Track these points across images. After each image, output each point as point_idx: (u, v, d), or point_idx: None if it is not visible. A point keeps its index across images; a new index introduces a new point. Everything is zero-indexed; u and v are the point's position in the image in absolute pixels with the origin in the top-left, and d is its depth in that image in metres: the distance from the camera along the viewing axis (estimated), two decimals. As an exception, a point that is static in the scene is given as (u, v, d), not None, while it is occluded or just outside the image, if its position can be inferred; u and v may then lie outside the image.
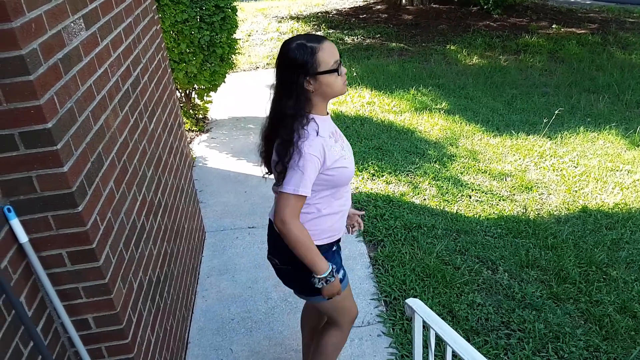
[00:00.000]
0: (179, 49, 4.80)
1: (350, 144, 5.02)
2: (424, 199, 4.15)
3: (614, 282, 3.18)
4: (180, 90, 5.39)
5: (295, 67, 1.70)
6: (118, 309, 1.78)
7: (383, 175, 4.48)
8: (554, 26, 8.65)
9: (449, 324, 2.87)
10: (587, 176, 4.35)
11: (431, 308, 2.98)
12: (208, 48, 4.96)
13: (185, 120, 5.53)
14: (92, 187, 1.67)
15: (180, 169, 3.13)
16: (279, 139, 1.73)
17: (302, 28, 9.59)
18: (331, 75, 1.73)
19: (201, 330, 2.89)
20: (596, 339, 2.78)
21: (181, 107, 5.41)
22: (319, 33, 9.18)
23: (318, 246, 1.89)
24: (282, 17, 10.47)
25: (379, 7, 10.87)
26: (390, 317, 2.93)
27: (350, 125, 5.50)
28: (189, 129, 5.58)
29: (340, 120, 5.67)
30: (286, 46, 1.73)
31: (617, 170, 4.44)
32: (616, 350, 2.71)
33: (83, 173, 1.61)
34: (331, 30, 9.35)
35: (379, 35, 8.97)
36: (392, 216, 3.89)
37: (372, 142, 5.07)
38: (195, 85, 5.29)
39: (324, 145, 1.72)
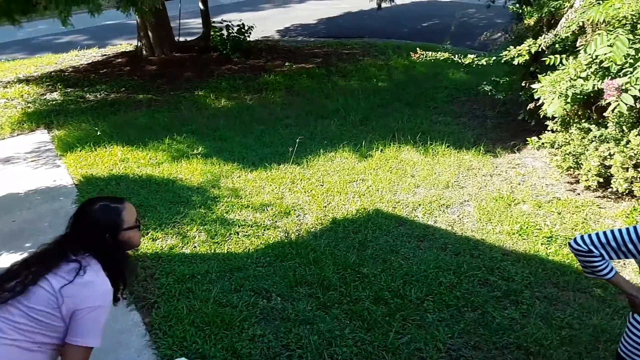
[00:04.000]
0: None
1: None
2: (195, 247, 4.15)
3: (366, 278, 3.68)
4: None
5: (100, 227, 1.86)
6: None
7: (148, 233, 4.32)
8: (287, 64, 9.66)
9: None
10: (331, 191, 4.94)
11: (215, 355, 2.98)
12: None
13: None
14: None
15: None
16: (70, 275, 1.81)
17: (34, 90, 8.67)
18: (133, 230, 1.95)
19: None
20: (361, 333, 3.16)
21: None
22: (55, 94, 8.43)
23: None
24: (8, 82, 9.30)
25: (119, 60, 10.52)
26: (174, 379, 2.82)
27: (105, 188, 5.16)
28: None
29: (92, 184, 5.27)
30: (88, 207, 1.90)
31: (354, 181, 5.16)
32: (378, 338, 3.12)
33: None
34: (69, 89, 8.68)
35: (123, 88, 8.68)
36: (163, 273, 3.78)
37: (132, 200, 4.74)
38: None
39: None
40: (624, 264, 3.72)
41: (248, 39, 10.31)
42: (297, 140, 5.78)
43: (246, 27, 10.12)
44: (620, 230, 1.76)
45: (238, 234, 4.31)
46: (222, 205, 4.78)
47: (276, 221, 4.50)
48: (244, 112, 7.38)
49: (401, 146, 5.86)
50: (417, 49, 4.57)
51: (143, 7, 7.09)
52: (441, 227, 4.34)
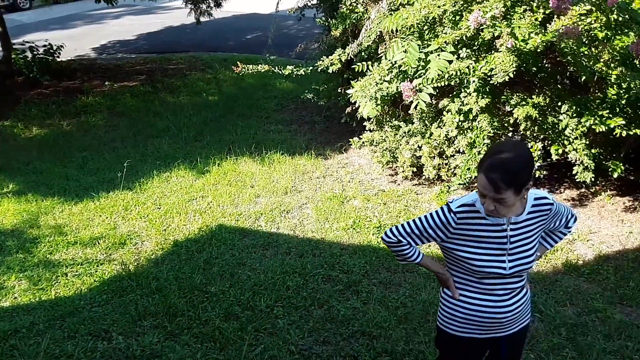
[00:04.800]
0: None
1: None
2: (15, 298, 3.68)
3: (214, 296, 3.61)
4: None
5: None
6: None
7: (-49, 293, 3.68)
8: (107, 83, 9.02)
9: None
10: (170, 213, 4.76)
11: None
12: None
13: None
14: None
15: None
16: None
17: None
18: None
19: None
20: (214, 354, 3.10)
21: None
22: None
23: None
24: None
25: None
26: None
27: None
28: None
29: None
30: None
31: (194, 199, 5.04)
32: (232, 355, 3.09)
33: None
34: None
35: None
36: (-23, 335, 3.25)
37: None
38: None
39: None
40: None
41: (58, 59, 9.40)
42: (125, 164, 5.44)
43: (55, 47, 9.22)
44: (420, 219, 2.00)
45: (66, 275, 3.91)
46: (44, 246, 4.29)
47: (110, 254, 4.18)
48: (60, 139, 6.70)
49: (238, 158, 5.89)
50: (238, 62, 4.63)
51: None
52: (284, 232, 4.47)
